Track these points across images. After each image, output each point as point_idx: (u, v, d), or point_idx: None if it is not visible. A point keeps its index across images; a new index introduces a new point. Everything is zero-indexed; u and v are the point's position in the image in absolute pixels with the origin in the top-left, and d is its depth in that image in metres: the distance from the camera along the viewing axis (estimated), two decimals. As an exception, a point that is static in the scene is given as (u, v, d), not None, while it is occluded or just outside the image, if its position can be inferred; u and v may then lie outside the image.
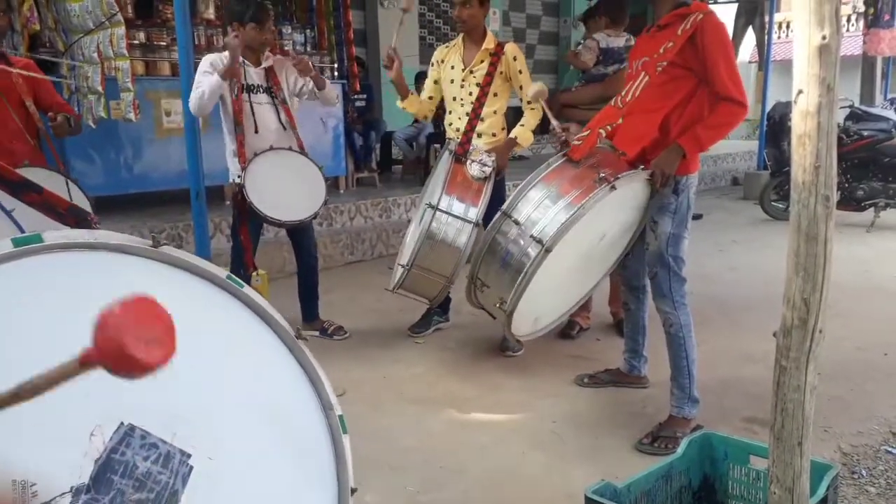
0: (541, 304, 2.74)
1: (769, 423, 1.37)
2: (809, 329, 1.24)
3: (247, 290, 1.34)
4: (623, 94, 2.58)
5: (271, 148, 3.58)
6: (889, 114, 7.41)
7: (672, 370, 2.77)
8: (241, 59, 3.59)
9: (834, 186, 1.19)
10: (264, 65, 3.68)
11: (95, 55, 4.87)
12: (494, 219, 2.68)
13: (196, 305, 1.30)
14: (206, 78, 3.45)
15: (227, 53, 3.53)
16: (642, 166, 2.58)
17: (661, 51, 2.51)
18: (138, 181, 5.76)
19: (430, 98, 3.88)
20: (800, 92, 1.15)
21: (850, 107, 7.36)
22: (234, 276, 1.33)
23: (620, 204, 2.61)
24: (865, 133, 6.88)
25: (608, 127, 2.59)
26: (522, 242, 2.58)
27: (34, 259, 1.12)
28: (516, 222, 2.59)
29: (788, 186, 1.25)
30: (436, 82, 3.83)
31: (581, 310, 3.94)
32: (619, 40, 3.73)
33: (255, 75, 3.65)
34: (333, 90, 3.90)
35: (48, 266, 1.13)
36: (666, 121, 2.62)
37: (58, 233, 1.17)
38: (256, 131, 3.60)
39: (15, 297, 1.09)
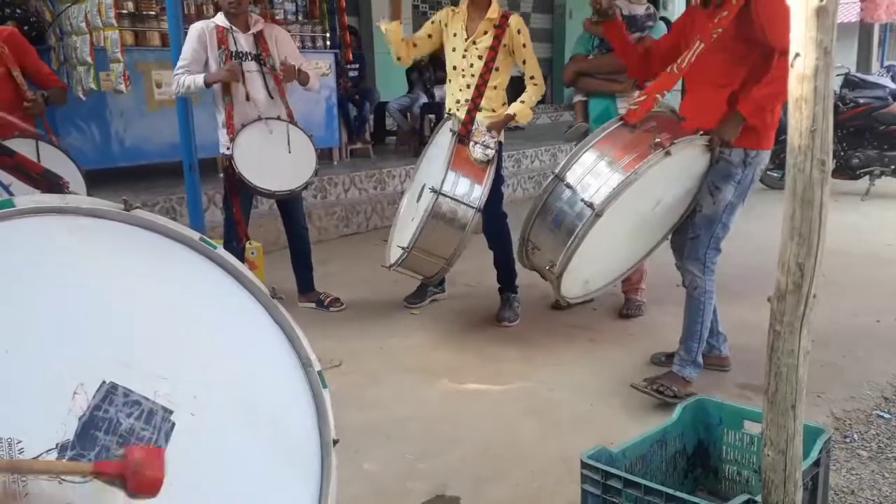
0: (592, 266, 2.76)
1: (763, 389, 1.39)
2: (804, 293, 1.24)
3: (220, 251, 1.35)
4: (679, 61, 2.59)
5: (259, 118, 3.54)
6: (885, 81, 7.38)
7: (683, 331, 2.82)
8: (228, 24, 3.53)
9: (830, 151, 1.18)
10: (253, 30, 3.59)
11: (83, 25, 4.80)
12: (547, 182, 2.70)
13: (170, 267, 1.31)
14: (193, 78, 3.45)
15: (213, 30, 3.51)
16: (701, 132, 2.57)
17: (717, 20, 2.52)
18: (130, 154, 5.71)
19: (415, 45, 3.67)
20: (797, 55, 1.14)
21: (847, 74, 7.32)
22: (206, 238, 1.34)
23: (678, 171, 2.60)
24: (861, 101, 6.84)
25: (665, 93, 2.61)
26: (574, 206, 2.59)
27: (5, 224, 1.12)
28: (568, 186, 2.60)
29: (784, 155, 1.24)
30: (429, 36, 3.68)
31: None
32: (640, 7, 3.61)
33: (243, 42, 3.56)
34: (316, 79, 3.83)
35: (19, 231, 1.14)
36: (734, 96, 2.62)
37: (28, 197, 1.17)
38: (248, 98, 3.54)
39: None
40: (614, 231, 2.62)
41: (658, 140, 2.44)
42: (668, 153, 2.41)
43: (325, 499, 1.33)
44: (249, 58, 3.58)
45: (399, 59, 3.70)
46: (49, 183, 2.00)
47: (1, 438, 0.97)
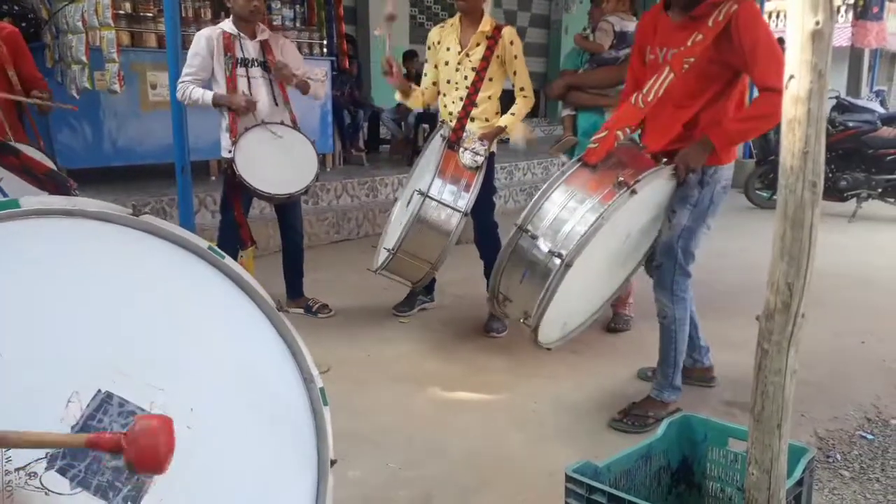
0: (568, 308, 2.65)
1: (748, 407, 1.39)
2: (792, 313, 1.25)
3: (228, 261, 1.32)
4: (644, 91, 2.43)
5: (262, 122, 3.56)
6: (874, 106, 7.48)
7: (659, 357, 2.79)
8: (236, 31, 3.56)
9: (821, 173, 1.20)
10: (259, 38, 3.63)
11: (80, 24, 4.79)
12: (511, 233, 2.57)
13: (176, 275, 1.28)
14: (201, 94, 3.48)
15: (220, 36, 3.52)
16: (665, 160, 2.48)
17: (689, 44, 2.37)
18: (122, 154, 5.70)
19: (434, 84, 3.79)
20: (791, 77, 1.16)
21: (837, 98, 7.41)
22: (214, 247, 1.31)
23: (644, 203, 2.48)
24: (851, 124, 6.93)
25: (627, 129, 2.47)
26: (542, 256, 2.47)
27: (10, 224, 1.10)
28: (533, 237, 2.48)
29: (773, 175, 1.26)
30: (435, 66, 3.75)
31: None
32: (631, 24, 3.64)
33: (250, 48, 3.60)
34: (321, 87, 3.87)
35: (24, 233, 1.12)
36: (695, 117, 2.51)
37: (35, 198, 1.14)
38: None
39: None
40: (587, 273, 2.51)
41: (621, 179, 2.32)
42: (633, 192, 2.30)
43: None
44: (255, 64, 3.62)
45: (430, 105, 3.95)
46: (55, 183, 1.98)
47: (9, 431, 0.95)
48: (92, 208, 1.19)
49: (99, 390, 1.08)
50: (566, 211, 2.45)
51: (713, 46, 2.37)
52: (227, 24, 3.59)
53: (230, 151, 3.51)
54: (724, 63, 2.44)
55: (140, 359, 1.15)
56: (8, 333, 1.04)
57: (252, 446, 1.27)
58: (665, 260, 2.63)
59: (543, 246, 2.46)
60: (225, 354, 1.28)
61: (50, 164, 3.08)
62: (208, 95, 3.49)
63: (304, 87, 3.71)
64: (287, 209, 3.86)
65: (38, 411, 1.03)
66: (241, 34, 3.57)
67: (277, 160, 3.56)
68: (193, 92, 3.50)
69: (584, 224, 2.34)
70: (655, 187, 2.48)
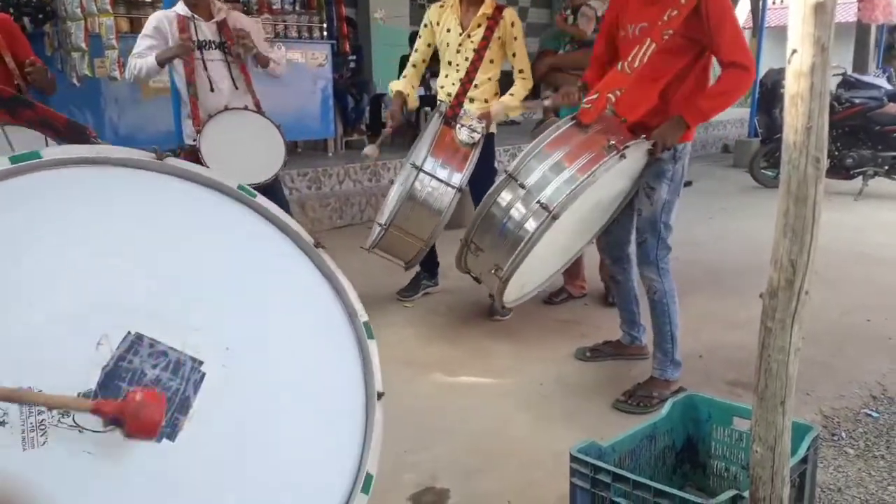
0: (531, 269, 2.72)
1: (753, 386, 1.39)
2: (795, 290, 1.25)
3: (260, 199, 1.30)
4: (629, 59, 2.52)
5: (226, 108, 3.36)
6: (881, 82, 7.41)
7: (655, 335, 2.80)
8: (189, 13, 3.37)
9: (825, 148, 1.18)
10: (216, 18, 3.41)
11: (78, 11, 4.78)
12: (498, 181, 2.61)
13: (206, 217, 1.26)
14: (145, 59, 3.30)
15: (174, 19, 3.35)
16: (644, 136, 2.54)
17: (666, 18, 2.47)
18: (124, 142, 5.63)
19: (424, 61, 3.77)
20: (794, 51, 1.14)
21: (843, 74, 7.34)
22: (245, 186, 1.28)
23: (621, 172, 2.57)
24: (857, 101, 6.87)
25: (617, 92, 2.55)
26: (527, 208, 2.52)
27: (33, 176, 1.09)
28: (522, 186, 2.52)
29: (778, 154, 1.24)
30: (429, 45, 3.72)
31: (572, 278, 3.93)
32: None
33: (206, 30, 3.39)
34: (278, 67, 3.59)
35: (48, 183, 1.10)
36: (666, 89, 2.61)
37: (56, 148, 1.14)
38: (212, 90, 3.39)
39: (14, 216, 1.06)
40: (560, 233, 2.57)
41: (613, 142, 2.40)
42: (623, 156, 2.38)
43: (368, 452, 1.31)
44: (213, 46, 3.41)
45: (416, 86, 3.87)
46: (76, 133, 1.91)
47: (21, 387, 0.96)
48: (115, 154, 1.17)
49: (129, 332, 1.08)
50: (557, 165, 2.52)
51: (684, 23, 2.48)
52: (181, 7, 3.39)
53: (194, 140, 3.33)
54: (693, 39, 2.53)
55: (174, 300, 1.15)
56: (36, 282, 1.04)
57: (296, 381, 1.25)
58: (649, 235, 2.70)
59: (532, 197, 2.51)
60: (261, 292, 1.26)
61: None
62: (150, 59, 3.28)
63: (262, 61, 3.48)
64: (268, 195, 3.73)
65: (70, 354, 1.03)
66: (196, 15, 3.37)
67: (244, 148, 3.38)
68: (136, 64, 3.30)
69: (575, 180, 2.42)
70: (635, 158, 2.56)
